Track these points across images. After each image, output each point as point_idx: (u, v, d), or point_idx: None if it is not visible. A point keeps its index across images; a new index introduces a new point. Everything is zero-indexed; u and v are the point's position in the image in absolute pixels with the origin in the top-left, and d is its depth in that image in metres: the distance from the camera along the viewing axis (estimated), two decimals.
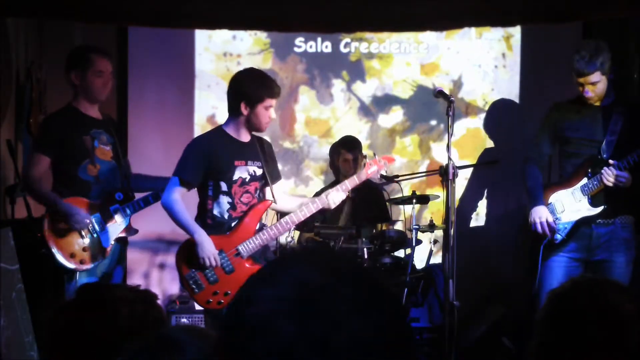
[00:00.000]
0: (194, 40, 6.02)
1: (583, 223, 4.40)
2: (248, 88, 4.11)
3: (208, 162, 4.14)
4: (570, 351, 1.71)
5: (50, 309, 1.82)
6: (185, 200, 4.20)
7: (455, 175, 4.00)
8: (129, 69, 5.95)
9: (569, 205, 4.44)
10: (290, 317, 0.95)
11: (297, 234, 5.29)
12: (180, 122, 5.97)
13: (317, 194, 5.01)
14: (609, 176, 4.26)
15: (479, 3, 3.64)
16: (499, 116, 6.06)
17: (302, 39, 6.05)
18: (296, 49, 6.07)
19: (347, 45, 6.08)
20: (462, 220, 5.85)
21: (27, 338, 4.01)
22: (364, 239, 5.00)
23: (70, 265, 4.30)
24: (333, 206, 4.27)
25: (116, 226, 4.44)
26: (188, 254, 4.13)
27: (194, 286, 4.12)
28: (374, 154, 4.44)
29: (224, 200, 4.17)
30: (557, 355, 1.73)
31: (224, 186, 4.16)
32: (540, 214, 4.43)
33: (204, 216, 4.21)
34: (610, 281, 1.91)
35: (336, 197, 4.26)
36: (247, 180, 4.20)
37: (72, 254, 4.31)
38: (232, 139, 4.20)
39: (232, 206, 4.17)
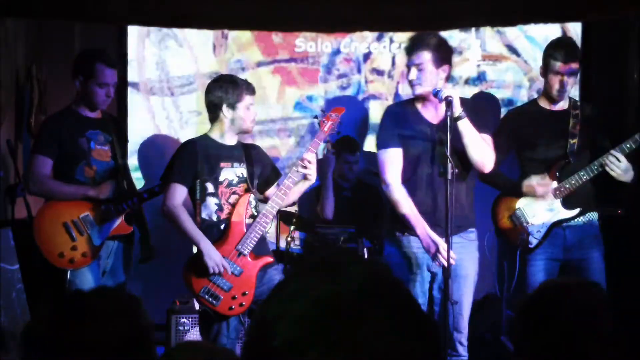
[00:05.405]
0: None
1: (555, 225, 4.41)
2: (226, 91, 4.20)
3: (196, 164, 4.18)
4: (561, 347, 1.89)
5: (32, 320, 1.80)
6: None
7: (455, 175, 3.98)
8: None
9: (540, 209, 4.42)
10: (313, 342, 0.94)
11: (297, 234, 5.28)
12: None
13: None
14: (613, 162, 4.23)
15: (479, 3, 3.64)
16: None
17: (302, 39, 6.04)
18: (296, 49, 6.07)
19: (347, 45, 6.08)
20: None
21: None
22: (364, 239, 5.00)
23: (58, 265, 4.29)
24: (308, 172, 4.14)
25: (108, 224, 4.42)
26: (194, 270, 4.13)
27: (211, 299, 4.10)
28: (323, 111, 4.41)
29: (212, 201, 4.19)
30: (549, 350, 1.90)
31: (210, 187, 4.18)
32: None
33: (193, 219, 4.21)
34: (577, 280, 2.12)
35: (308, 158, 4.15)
36: (234, 182, 4.23)
37: (60, 253, 4.29)
38: (217, 142, 4.26)
39: (220, 207, 4.20)
